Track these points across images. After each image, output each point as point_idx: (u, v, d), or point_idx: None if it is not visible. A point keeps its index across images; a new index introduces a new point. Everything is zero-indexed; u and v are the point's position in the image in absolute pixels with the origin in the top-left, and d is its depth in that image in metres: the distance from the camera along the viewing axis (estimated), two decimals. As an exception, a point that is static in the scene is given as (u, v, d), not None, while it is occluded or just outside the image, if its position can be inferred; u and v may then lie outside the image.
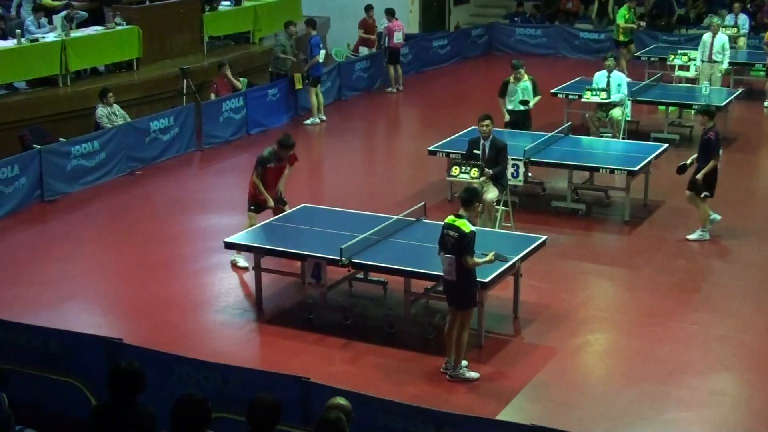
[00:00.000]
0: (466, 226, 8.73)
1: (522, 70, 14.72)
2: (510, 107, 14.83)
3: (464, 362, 9.15)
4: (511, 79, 14.73)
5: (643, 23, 22.48)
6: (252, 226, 11.39)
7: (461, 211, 8.88)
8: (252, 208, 11.69)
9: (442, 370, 9.17)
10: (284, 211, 11.64)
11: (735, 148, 16.76)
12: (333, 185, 15.42)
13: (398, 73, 21.25)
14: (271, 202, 11.63)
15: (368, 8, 21.97)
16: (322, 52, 18.28)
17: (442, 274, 8.98)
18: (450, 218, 8.91)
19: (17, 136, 15.02)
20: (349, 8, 23.46)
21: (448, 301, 9.16)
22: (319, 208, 11.84)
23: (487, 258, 8.88)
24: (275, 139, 11.88)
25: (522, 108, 14.69)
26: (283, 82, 18.47)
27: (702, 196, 12.16)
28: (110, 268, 12.03)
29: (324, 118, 18.59)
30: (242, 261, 11.61)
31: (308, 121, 18.43)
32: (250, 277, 10.87)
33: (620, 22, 21.12)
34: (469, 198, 8.97)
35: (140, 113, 16.59)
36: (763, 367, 9.48)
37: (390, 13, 21.32)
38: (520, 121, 14.81)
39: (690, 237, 12.35)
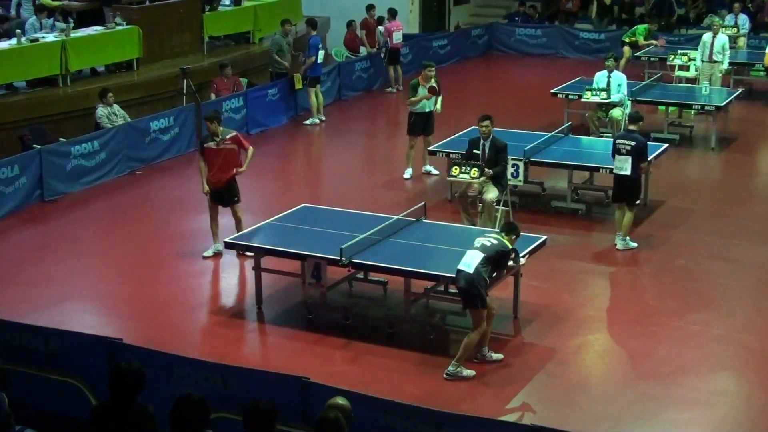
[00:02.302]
0: (509, 243, 9.13)
1: (432, 71, 14.39)
2: (416, 109, 14.61)
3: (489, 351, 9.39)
4: (420, 79, 14.49)
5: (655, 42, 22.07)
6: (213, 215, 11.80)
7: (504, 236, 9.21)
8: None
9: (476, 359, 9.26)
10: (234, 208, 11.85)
11: (735, 148, 16.78)
12: (333, 185, 15.41)
13: (398, 74, 21.25)
14: (206, 188, 11.71)
15: (369, 8, 21.98)
16: (321, 52, 18.25)
17: (443, 274, 8.99)
18: (496, 234, 9.38)
19: (17, 136, 15.02)
20: (349, 8, 23.45)
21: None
22: (319, 208, 11.84)
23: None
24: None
25: (428, 110, 14.54)
26: (283, 82, 18.48)
27: (635, 203, 12.23)
28: (110, 268, 12.03)
29: (323, 118, 18.58)
30: (210, 251, 11.87)
31: (308, 122, 18.43)
32: (250, 277, 10.86)
33: (640, 39, 21.12)
34: (514, 231, 9.34)
35: (140, 113, 16.58)
36: (763, 367, 9.48)
37: (391, 13, 21.31)
38: (427, 123, 14.61)
39: (618, 246, 12.27)
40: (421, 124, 14.70)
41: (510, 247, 9.13)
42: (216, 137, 11.72)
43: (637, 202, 12.23)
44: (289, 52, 18.66)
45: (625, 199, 12.14)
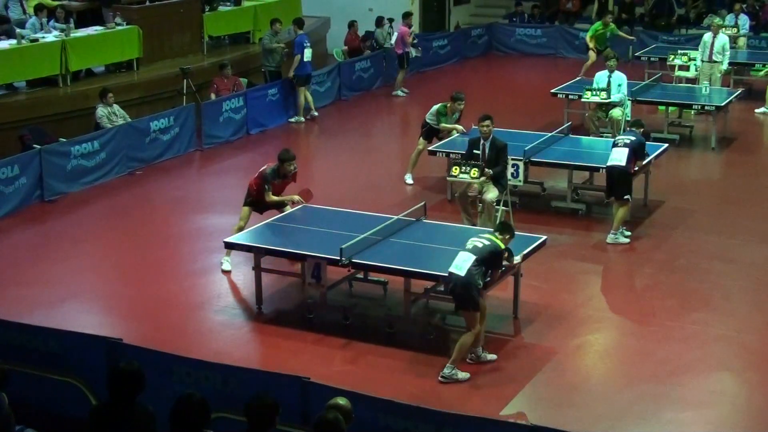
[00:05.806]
0: (502, 243, 9.06)
1: (461, 104, 14.22)
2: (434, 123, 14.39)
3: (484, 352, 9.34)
4: (447, 110, 14.21)
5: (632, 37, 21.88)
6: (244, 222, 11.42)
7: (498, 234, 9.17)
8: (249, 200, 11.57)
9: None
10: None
11: (735, 148, 16.78)
12: (333, 185, 15.38)
13: (402, 77, 21.11)
14: (296, 197, 11.48)
15: (351, 24, 22.21)
16: (308, 51, 18.16)
17: (444, 274, 8.99)
18: (489, 234, 9.24)
19: (17, 136, 15.02)
20: (349, 8, 23.47)
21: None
22: (319, 208, 11.82)
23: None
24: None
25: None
26: (283, 82, 18.47)
27: (625, 198, 12.24)
28: (110, 268, 12.03)
29: (302, 120, 18.48)
30: (227, 264, 11.56)
31: (293, 119, 18.41)
32: (250, 277, 10.86)
33: (590, 34, 20.63)
34: (508, 230, 9.28)
35: (140, 113, 16.59)
36: (763, 367, 9.49)
37: (406, 17, 21.04)
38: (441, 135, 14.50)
39: (608, 241, 12.36)
40: (435, 132, 14.63)
41: (503, 247, 9.07)
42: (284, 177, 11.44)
43: (627, 197, 12.23)
44: (280, 52, 18.64)
45: (615, 193, 12.24)
